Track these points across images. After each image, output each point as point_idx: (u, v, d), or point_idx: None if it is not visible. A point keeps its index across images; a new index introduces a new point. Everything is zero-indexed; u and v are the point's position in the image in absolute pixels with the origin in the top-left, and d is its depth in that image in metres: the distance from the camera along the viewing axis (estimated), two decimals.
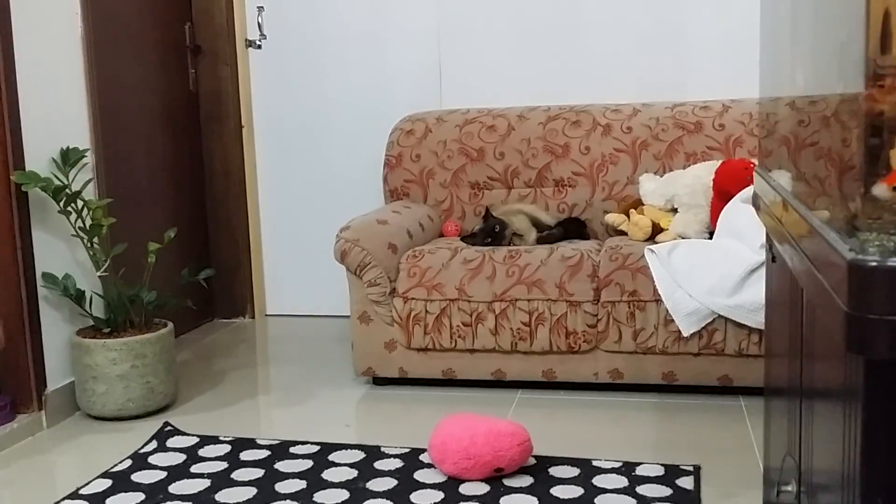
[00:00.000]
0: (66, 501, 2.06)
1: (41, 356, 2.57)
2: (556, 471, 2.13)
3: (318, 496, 2.03)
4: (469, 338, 2.70)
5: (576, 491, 2.01)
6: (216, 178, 3.76)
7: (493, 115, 3.28)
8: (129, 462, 2.28)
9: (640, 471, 2.12)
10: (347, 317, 2.87)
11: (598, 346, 2.64)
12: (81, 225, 2.61)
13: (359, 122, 3.69)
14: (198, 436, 2.45)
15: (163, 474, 2.19)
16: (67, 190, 2.55)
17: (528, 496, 1.99)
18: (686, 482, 2.04)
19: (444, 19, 3.51)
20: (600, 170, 3.13)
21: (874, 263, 0.73)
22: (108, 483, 2.15)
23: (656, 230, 2.87)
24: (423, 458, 2.24)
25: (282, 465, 2.22)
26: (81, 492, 2.11)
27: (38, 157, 2.57)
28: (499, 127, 3.24)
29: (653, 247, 2.64)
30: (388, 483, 2.09)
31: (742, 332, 2.51)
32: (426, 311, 2.71)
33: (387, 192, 3.33)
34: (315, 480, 2.12)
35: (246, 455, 2.30)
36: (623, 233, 2.98)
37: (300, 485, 2.10)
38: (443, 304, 2.70)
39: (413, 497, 2.00)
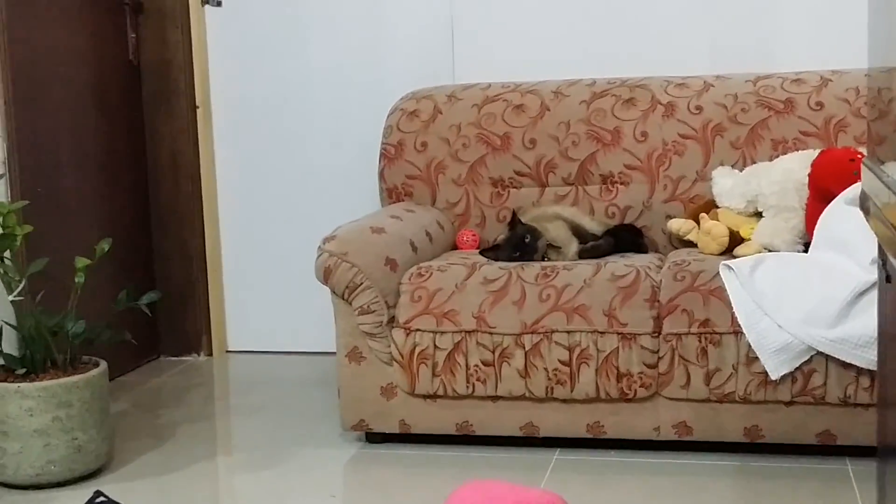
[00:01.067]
0: None
1: None
2: None
3: None
4: (491, 381, 2.68)
5: None
6: (163, 173, 3.77)
7: (522, 92, 3.28)
8: None
9: None
10: (332, 354, 2.86)
11: (660, 393, 2.63)
12: None
13: (348, 101, 3.70)
14: None
15: None
16: None
17: None
18: None
19: None
20: (661, 162, 3.12)
21: None
22: None
23: (735, 240, 2.86)
24: None
25: None
26: None
27: None
28: (529, 106, 3.24)
29: (731, 262, 2.63)
30: None
31: (848, 373, 2.50)
32: (435, 347, 2.70)
33: (384, 191, 3.33)
34: None
35: None
36: (692, 244, 2.97)
37: None
38: (457, 338, 2.69)
39: None
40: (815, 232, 2.68)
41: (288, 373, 3.62)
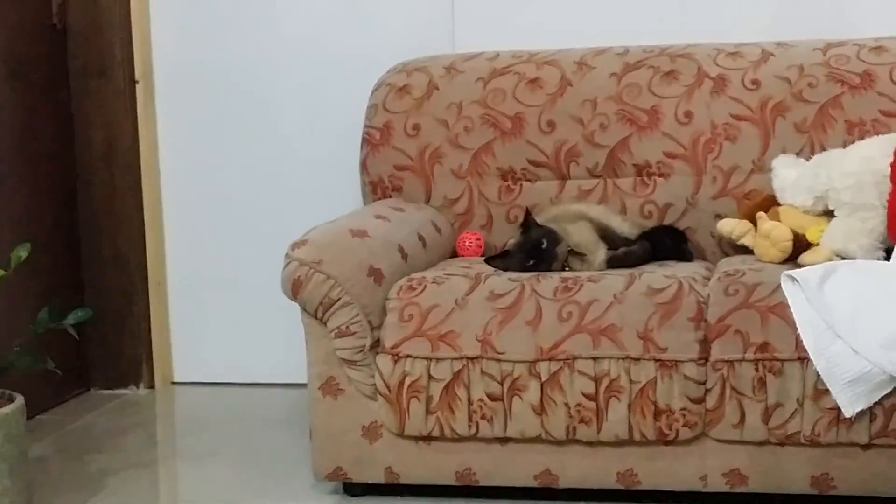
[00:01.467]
0: None
1: None
2: None
3: None
4: (499, 420, 2.67)
5: None
6: (95, 164, 3.79)
7: (538, 63, 3.29)
8: None
9: None
10: (303, 386, 2.87)
11: (708, 433, 2.62)
12: None
13: (324, 75, 3.72)
14: None
15: None
16: None
17: None
18: None
19: None
20: (709, 149, 3.13)
21: None
22: None
23: (800, 245, 2.86)
24: None
25: None
26: None
27: None
28: (547, 80, 3.26)
29: (795, 272, 2.63)
30: None
31: None
32: (430, 377, 2.69)
33: (367, 185, 3.34)
34: None
35: None
36: (747, 250, 2.98)
37: None
38: (457, 366, 2.68)
39: None
40: None
41: (248, 409, 3.63)
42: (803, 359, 2.53)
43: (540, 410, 2.65)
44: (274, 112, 3.77)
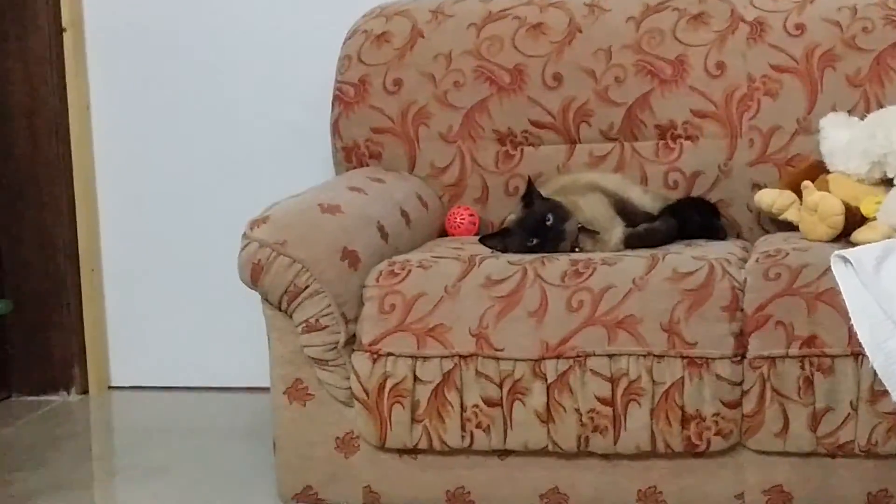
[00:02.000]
0: None
1: None
2: None
3: None
4: (497, 429, 2.67)
5: None
6: (14, 128, 3.80)
7: (541, 5, 3.30)
8: None
9: None
10: (265, 390, 2.87)
11: (745, 444, 2.62)
12: None
13: (287, 21, 3.73)
14: None
15: None
16: None
17: None
18: None
19: None
20: (745, 107, 3.14)
21: None
22: None
23: (853, 220, 2.84)
24: None
25: None
26: None
27: None
28: (552, 26, 3.26)
29: (847, 252, 2.61)
30: None
31: None
32: (415, 379, 2.68)
33: (339, 152, 3.36)
34: None
35: None
36: (791, 226, 2.99)
37: None
38: (447, 366, 2.67)
39: None
40: None
41: (199, 418, 3.65)
42: (857, 354, 2.52)
43: (546, 418, 2.65)
44: (227, 67, 3.78)
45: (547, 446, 2.67)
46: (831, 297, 2.55)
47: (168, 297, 3.88)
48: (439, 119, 3.29)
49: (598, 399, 2.62)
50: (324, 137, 3.43)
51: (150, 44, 3.80)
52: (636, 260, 2.73)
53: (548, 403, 2.65)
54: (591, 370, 2.62)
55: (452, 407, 2.68)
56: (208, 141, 3.81)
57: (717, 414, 2.60)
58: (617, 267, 2.70)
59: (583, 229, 2.89)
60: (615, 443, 2.64)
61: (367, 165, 3.31)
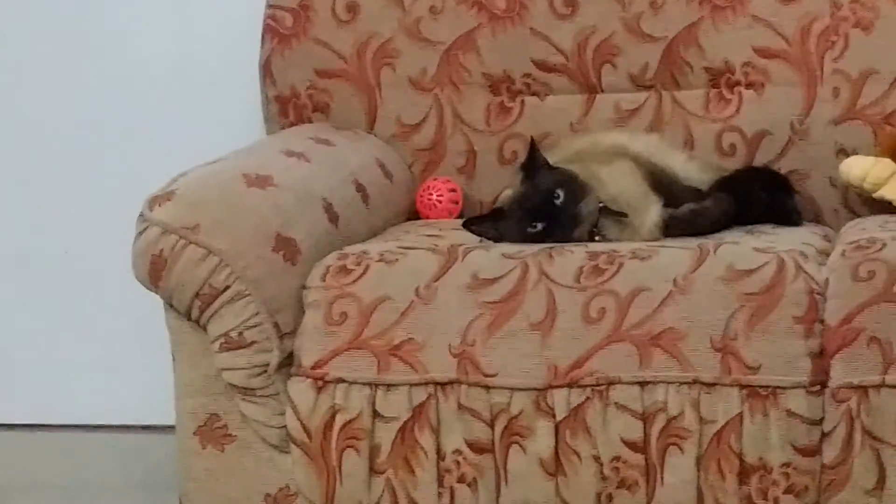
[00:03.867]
0: None
1: None
2: None
3: None
4: (487, 484, 2.65)
5: None
6: None
7: None
8: None
9: None
10: (169, 429, 2.89)
11: (825, 502, 2.63)
12: None
13: None
14: None
15: None
16: None
17: None
18: None
19: None
20: (826, 44, 3.17)
21: None
22: None
23: None
24: None
25: None
26: None
27: None
28: None
29: None
30: None
31: None
32: (375, 415, 2.68)
33: (271, 103, 3.39)
34: None
35: None
36: (891, 207, 3.01)
37: None
38: (419, 396, 2.67)
39: None
40: None
41: (80, 466, 3.64)
42: None
43: (554, 468, 2.62)
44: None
45: None
46: None
47: (37, 311, 3.90)
48: (409, 58, 3.29)
49: (626, 443, 2.60)
50: (250, 83, 3.44)
51: None
52: (678, 252, 2.71)
53: (556, 449, 2.63)
54: (615, 403, 2.61)
55: (426, 453, 2.67)
56: (84, 93, 3.85)
57: (787, 464, 2.58)
58: (651, 262, 2.69)
59: (605, 210, 2.88)
60: (648, 499, 2.66)
61: (310, 121, 3.32)
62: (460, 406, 2.64)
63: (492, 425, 2.64)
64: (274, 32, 3.29)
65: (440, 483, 2.67)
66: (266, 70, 3.31)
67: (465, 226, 2.91)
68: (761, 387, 2.57)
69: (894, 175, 2.96)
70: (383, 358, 2.66)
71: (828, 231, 2.96)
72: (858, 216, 3.05)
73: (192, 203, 2.71)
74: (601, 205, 2.86)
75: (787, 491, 2.58)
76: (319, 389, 2.69)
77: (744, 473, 2.58)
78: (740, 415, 2.57)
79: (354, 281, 2.72)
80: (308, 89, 3.28)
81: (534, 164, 2.87)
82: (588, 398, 2.61)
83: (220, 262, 2.66)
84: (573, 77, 3.21)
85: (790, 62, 3.14)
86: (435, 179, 3.25)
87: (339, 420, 2.68)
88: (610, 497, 2.63)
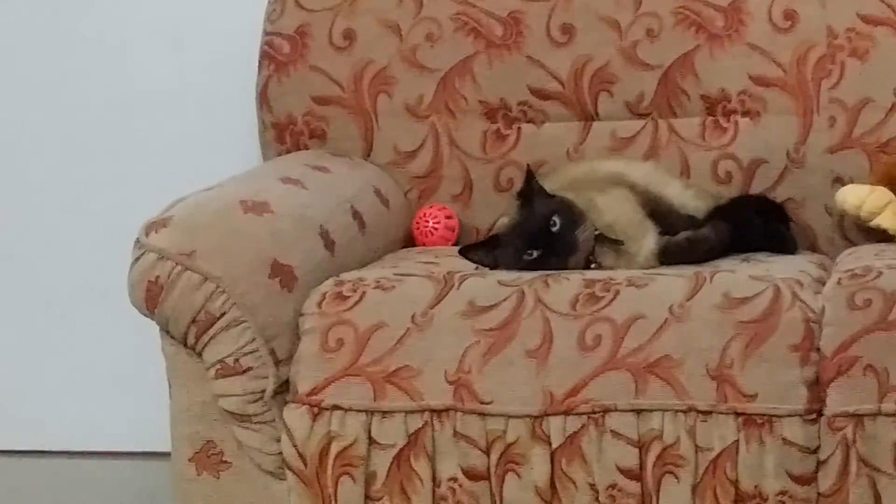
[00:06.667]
0: None
1: None
2: None
3: None
4: None
5: None
6: None
7: None
8: None
9: None
10: (164, 456, 2.88)
11: None
12: None
13: None
14: None
15: None
16: None
17: None
18: None
19: None
20: (825, 72, 3.17)
21: None
22: None
23: None
24: None
25: None
26: None
27: None
28: None
29: None
30: None
31: None
32: (371, 442, 2.69)
33: (268, 130, 3.41)
34: None
35: None
36: (886, 235, 3.01)
37: None
38: (415, 424, 2.68)
39: None
40: None
41: (77, 493, 3.65)
42: None
43: (550, 496, 2.63)
44: (109, 6, 3.82)
45: None
46: None
47: (26, 331, 3.87)
48: (406, 85, 3.32)
49: (621, 471, 2.61)
50: (247, 109, 3.46)
51: None
52: (674, 280, 2.71)
53: (552, 476, 2.64)
54: (611, 431, 2.62)
55: (421, 481, 2.67)
56: (81, 119, 3.83)
57: (783, 492, 2.57)
58: (648, 290, 2.69)
59: (601, 238, 2.90)
60: None
61: (307, 148, 3.34)
62: (456, 433, 2.65)
63: (487, 452, 2.65)
64: (271, 59, 3.32)
65: None
66: (263, 97, 3.33)
67: (462, 253, 2.94)
68: (757, 415, 2.58)
69: (890, 204, 2.97)
70: (379, 385, 2.68)
71: (823, 259, 3.00)
72: (854, 244, 3.09)
73: (188, 229, 2.73)
74: (597, 232, 2.88)
75: None
76: (315, 416, 2.69)
77: (739, 501, 2.60)
78: (736, 443, 2.59)
79: (350, 308, 2.73)
80: (305, 116, 3.30)
81: (530, 191, 2.90)
82: (584, 426, 2.62)
83: (217, 288, 2.67)
84: (569, 105, 3.24)
85: (786, 90, 3.16)
86: (431, 206, 3.27)
87: (335, 447, 2.68)
88: None
